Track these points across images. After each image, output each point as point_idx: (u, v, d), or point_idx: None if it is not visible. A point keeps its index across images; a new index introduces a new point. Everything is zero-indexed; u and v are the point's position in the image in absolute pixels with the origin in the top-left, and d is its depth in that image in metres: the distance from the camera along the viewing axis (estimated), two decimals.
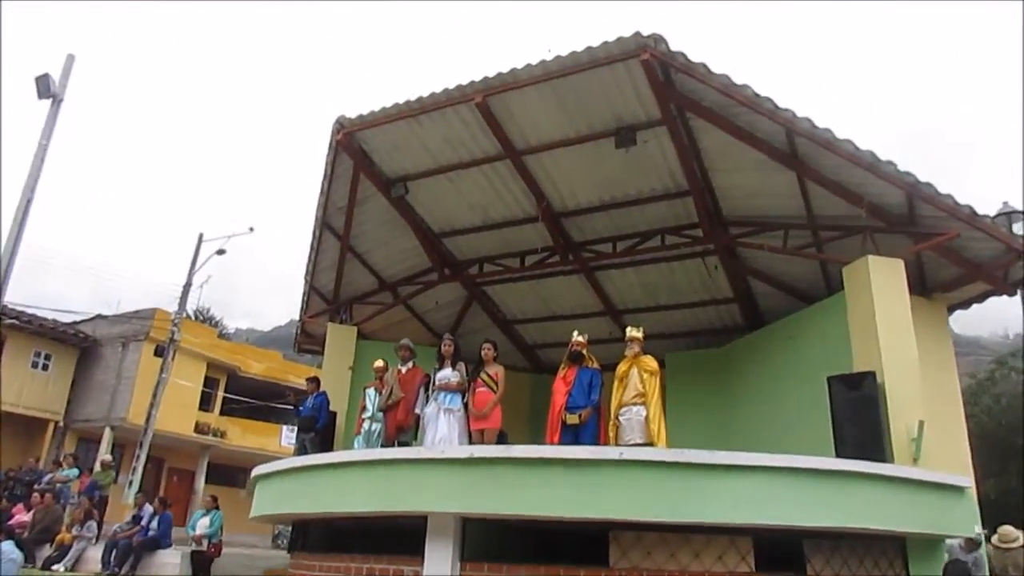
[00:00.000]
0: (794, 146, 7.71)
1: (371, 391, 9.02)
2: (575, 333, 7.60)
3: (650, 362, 7.21)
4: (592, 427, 7.14)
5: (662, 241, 9.54)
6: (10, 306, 19.74)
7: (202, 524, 10.65)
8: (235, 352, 27.92)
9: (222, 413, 26.54)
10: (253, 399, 27.57)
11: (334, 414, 9.70)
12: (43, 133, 12.79)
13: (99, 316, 25.72)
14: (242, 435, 26.47)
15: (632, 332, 7.34)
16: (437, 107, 8.34)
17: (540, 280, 11.05)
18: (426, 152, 9.11)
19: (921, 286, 8.52)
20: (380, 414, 8.59)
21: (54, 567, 11.09)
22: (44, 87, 12.76)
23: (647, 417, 6.99)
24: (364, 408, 8.94)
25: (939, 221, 7.68)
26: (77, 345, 24.65)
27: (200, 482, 25.24)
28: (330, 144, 9.20)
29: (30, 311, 22.67)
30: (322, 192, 9.73)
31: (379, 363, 8.97)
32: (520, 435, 9.78)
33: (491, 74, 7.89)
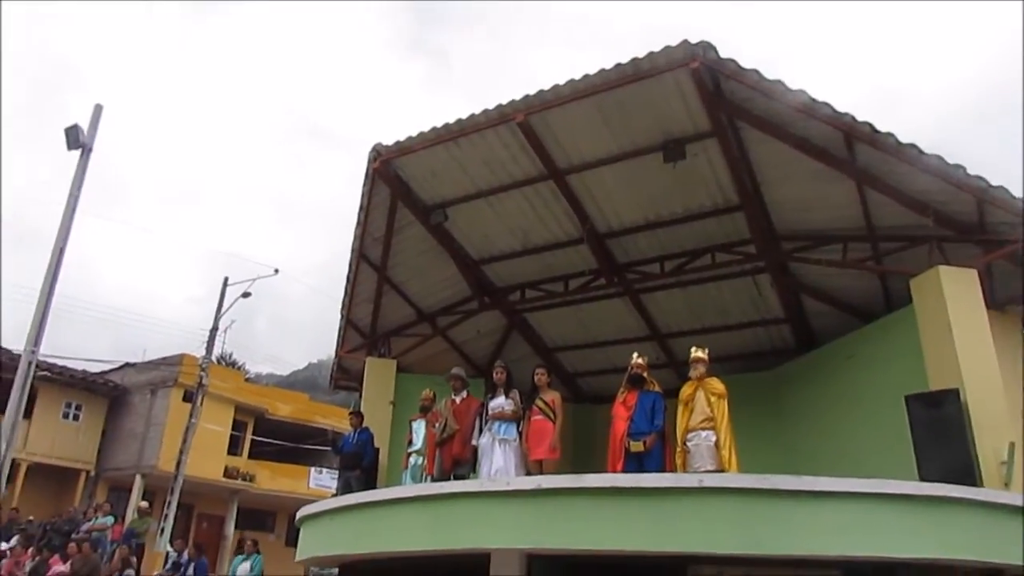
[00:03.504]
0: (853, 153, 7.38)
1: (417, 424, 8.70)
2: (634, 355, 7.23)
3: (717, 384, 6.83)
4: (657, 455, 6.73)
5: (712, 259, 9.19)
6: (40, 358, 19.73)
7: (243, 569, 10.28)
8: (262, 395, 27.72)
9: (251, 457, 26.23)
10: (281, 441, 27.28)
11: (378, 450, 9.36)
12: (73, 183, 12.76)
13: (127, 364, 25.67)
14: (271, 478, 26.08)
15: (697, 353, 6.97)
16: (477, 129, 8.13)
17: (582, 305, 10.71)
18: (465, 176, 8.89)
19: (992, 298, 8.07)
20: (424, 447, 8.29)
21: None
22: (73, 138, 12.76)
23: (717, 442, 6.60)
24: (410, 442, 8.61)
25: (1011, 228, 7.27)
26: (107, 394, 24.58)
27: (230, 527, 24.84)
28: (367, 173, 9.01)
29: (60, 362, 22.68)
30: (359, 223, 9.51)
31: (427, 392, 8.66)
32: (561, 468, 9.38)
33: (532, 92, 7.68)
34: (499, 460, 6.96)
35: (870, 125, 6.92)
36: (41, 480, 22.21)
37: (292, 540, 28.10)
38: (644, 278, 9.77)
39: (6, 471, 11.06)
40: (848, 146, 7.32)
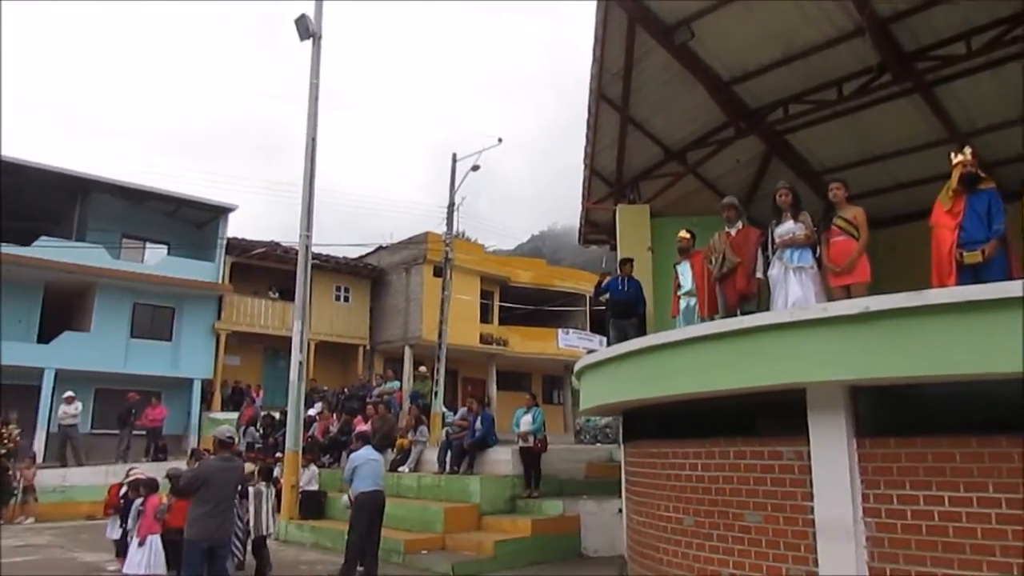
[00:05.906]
0: None
1: (681, 267, 8.14)
2: (955, 154, 5.94)
3: None
4: (1000, 264, 5.55)
5: None
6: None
7: (525, 421, 10.74)
8: (504, 264, 28.86)
9: (500, 323, 27.73)
10: (527, 306, 28.47)
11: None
12: (312, 72, 13.28)
13: (380, 247, 27.89)
14: (522, 342, 27.48)
15: None
16: None
17: (858, 114, 9.19)
18: None
19: None
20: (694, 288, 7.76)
21: (399, 469, 12.03)
22: (304, 28, 13.20)
23: None
24: (678, 286, 8.11)
25: None
26: (368, 276, 27.05)
27: (492, 388, 26.75)
28: None
29: (324, 252, 25.14)
30: (594, 59, 8.75)
31: (684, 233, 8.03)
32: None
33: None
34: (795, 290, 6.20)
35: None
36: (327, 355, 25.37)
37: (547, 397, 29.84)
38: (943, 64, 8.04)
39: (307, 346, 12.41)
40: None
